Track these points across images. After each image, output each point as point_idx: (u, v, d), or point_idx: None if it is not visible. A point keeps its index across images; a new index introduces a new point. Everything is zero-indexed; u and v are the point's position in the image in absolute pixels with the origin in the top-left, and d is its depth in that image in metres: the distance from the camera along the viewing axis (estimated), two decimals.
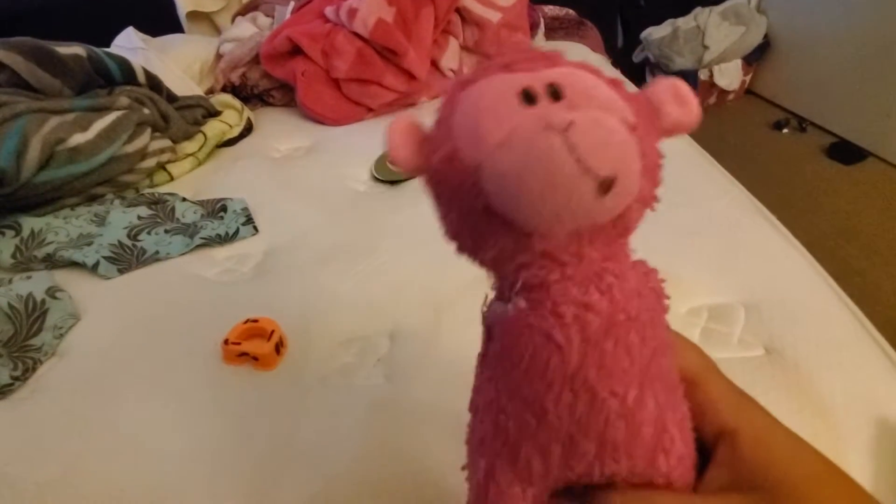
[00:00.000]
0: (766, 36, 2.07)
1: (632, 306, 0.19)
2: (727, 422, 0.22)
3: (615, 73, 1.19)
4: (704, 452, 0.22)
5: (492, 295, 0.22)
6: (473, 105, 0.19)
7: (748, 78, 2.19)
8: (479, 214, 0.19)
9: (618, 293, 0.19)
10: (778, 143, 1.91)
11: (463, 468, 0.24)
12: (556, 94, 0.18)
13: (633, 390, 0.19)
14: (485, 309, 0.23)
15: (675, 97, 0.20)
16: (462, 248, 0.21)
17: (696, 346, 0.24)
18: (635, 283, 0.20)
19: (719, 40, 2.02)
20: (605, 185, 0.17)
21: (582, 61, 0.20)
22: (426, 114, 0.21)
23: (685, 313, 0.53)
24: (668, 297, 0.25)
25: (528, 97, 0.18)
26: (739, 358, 0.48)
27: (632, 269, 0.21)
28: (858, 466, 0.39)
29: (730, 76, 2.11)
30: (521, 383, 0.20)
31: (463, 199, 0.19)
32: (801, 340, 0.48)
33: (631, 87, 0.22)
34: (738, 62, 2.10)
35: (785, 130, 1.96)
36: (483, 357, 0.23)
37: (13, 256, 0.68)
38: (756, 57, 2.11)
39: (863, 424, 0.42)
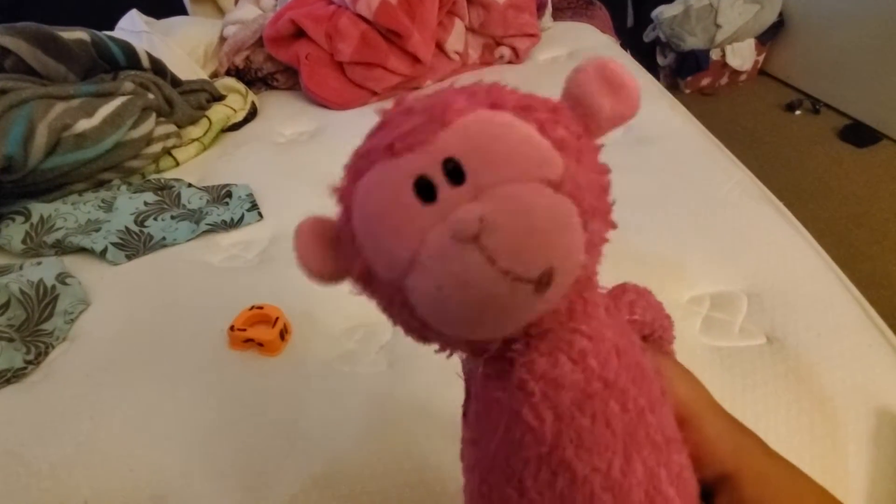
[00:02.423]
0: (780, 14, 2.01)
1: (609, 371, 0.17)
2: (726, 463, 0.21)
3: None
4: (704, 490, 0.21)
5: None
6: (369, 211, 0.16)
7: (761, 58, 2.13)
8: (418, 327, 0.17)
9: (592, 359, 0.17)
10: (790, 125, 1.87)
11: None
12: (454, 172, 0.15)
13: (617, 460, 0.18)
14: (463, 361, 0.21)
15: (605, 85, 0.16)
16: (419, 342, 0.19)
17: (689, 377, 0.23)
18: (612, 337, 0.18)
19: (733, 19, 1.97)
20: (543, 282, 0.15)
21: (478, 84, 0.17)
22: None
23: (687, 301, 0.53)
24: (668, 317, 0.22)
25: (425, 191, 0.15)
26: (740, 347, 0.48)
27: (607, 316, 0.19)
28: (857, 456, 0.40)
29: (742, 56, 2.06)
30: (497, 456, 0.19)
31: (398, 316, 0.17)
32: (802, 329, 0.48)
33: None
34: (752, 42, 2.05)
35: (798, 112, 1.92)
36: (465, 414, 0.22)
37: (23, 242, 0.69)
38: (770, 36, 2.05)
39: (863, 414, 0.42)
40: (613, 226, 0.17)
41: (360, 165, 0.17)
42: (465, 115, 0.16)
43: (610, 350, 0.18)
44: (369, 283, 0.17)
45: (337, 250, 0.18)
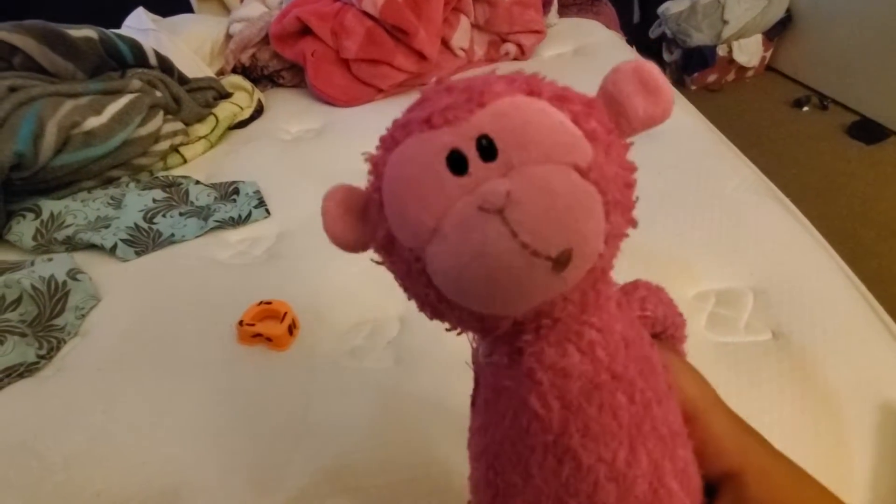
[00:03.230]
0: (788, 10, 2.00)
1: (617, 363, 0.18)
2: (731, 461, 0.21)
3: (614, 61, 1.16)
4: (708, 487, 0.21)
5: (477, 338, 0.21)
6: (399, 179, 0.16)
7: (769, 54, 2.12)
8: (434, 301, 0.17)
9: (601, 351, 0.18)
10: (798, 122, 1.86)
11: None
12: (487, 150, 0.15)
13: (622, 451, 0.18)
14: (472, 348, 0.21)
15: (641, 87, 0.17)
16: (432, 319, 0.19)
17: (696, 375, 0.23)
18: (621, 330, 0.18)
19: (739, 15, 1.96)
20: (561, 262, 0.15)
21: (518, 73, 0.17)
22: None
23: (692, 298, 0.53)
24: (681, 315, 0.23)
25: (456, 163, 0.15)
26: (746, 343, 0.48)
27: (618, 309, 0.19)
28: (861, 451, 0.40)
29: (749, 52, 2.04)
30: (504, 443, 0.19)
31: (414, 286, 0.17)
32: (808, 325, 0.48)
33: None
34: (759, 37, 2.03)
35: (805, 108, 1.90)
36: (473, 403, 0.22)
37: (34, 238, 0.70)
38: (777, 32, 2.04)
39: (867, 409, 0.42)
40: (634, 223, 0.17)
41: (396, 135, 0.17)
42: (503, 98, 0.16)
43: (619, 342, 0.18)
44: (391, 251, 0.17)
45: (363, 220, 0.18)
